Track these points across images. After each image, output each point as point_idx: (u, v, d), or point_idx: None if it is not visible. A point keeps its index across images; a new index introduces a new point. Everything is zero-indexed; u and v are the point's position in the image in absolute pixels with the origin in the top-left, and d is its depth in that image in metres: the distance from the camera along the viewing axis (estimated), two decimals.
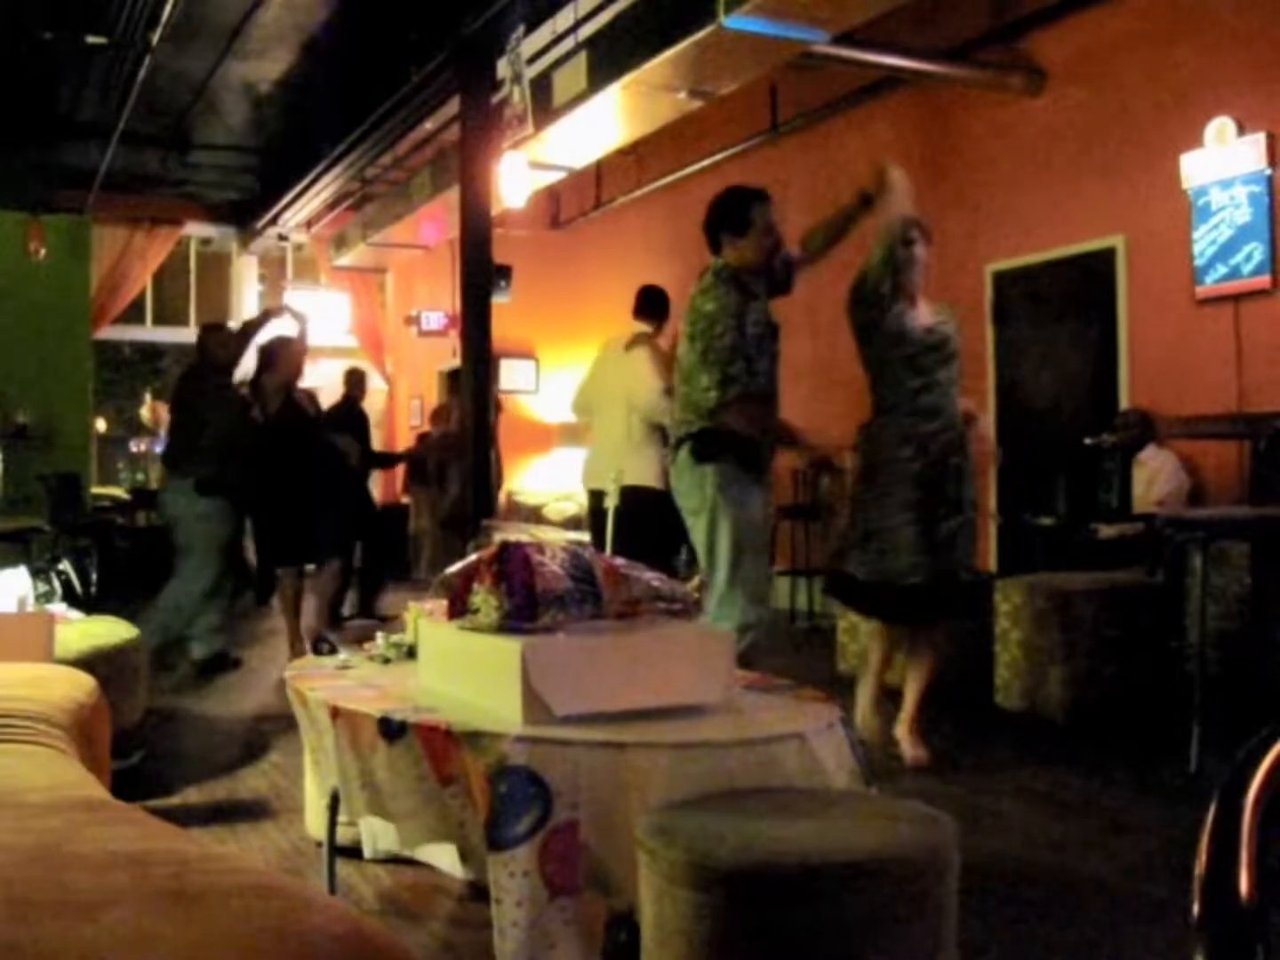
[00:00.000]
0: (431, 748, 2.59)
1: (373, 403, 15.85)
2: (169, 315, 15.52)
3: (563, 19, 8.27)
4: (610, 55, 7.55)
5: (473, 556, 2.92)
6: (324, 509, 7.16)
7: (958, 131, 8.60)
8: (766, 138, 9.84)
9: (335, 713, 2.87)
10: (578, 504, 11.32)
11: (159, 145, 12.69)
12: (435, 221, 12.01)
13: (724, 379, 4.36)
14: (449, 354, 13.30)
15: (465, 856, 2.88)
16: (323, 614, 7.42)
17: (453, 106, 9.52)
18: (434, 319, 13.96)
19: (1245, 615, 5.37)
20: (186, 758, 5.17)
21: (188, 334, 15.71)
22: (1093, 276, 7.55)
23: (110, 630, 4.91)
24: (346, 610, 8.79)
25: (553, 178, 10.03)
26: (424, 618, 3.27)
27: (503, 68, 8.76)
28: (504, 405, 10.85)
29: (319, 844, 3.50)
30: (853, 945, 2.06)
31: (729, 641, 3.05)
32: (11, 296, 11.35)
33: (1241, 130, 6.63)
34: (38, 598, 5.20)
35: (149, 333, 15.80)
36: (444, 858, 3.44)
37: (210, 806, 4.44)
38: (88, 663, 4.13)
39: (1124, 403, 7.28)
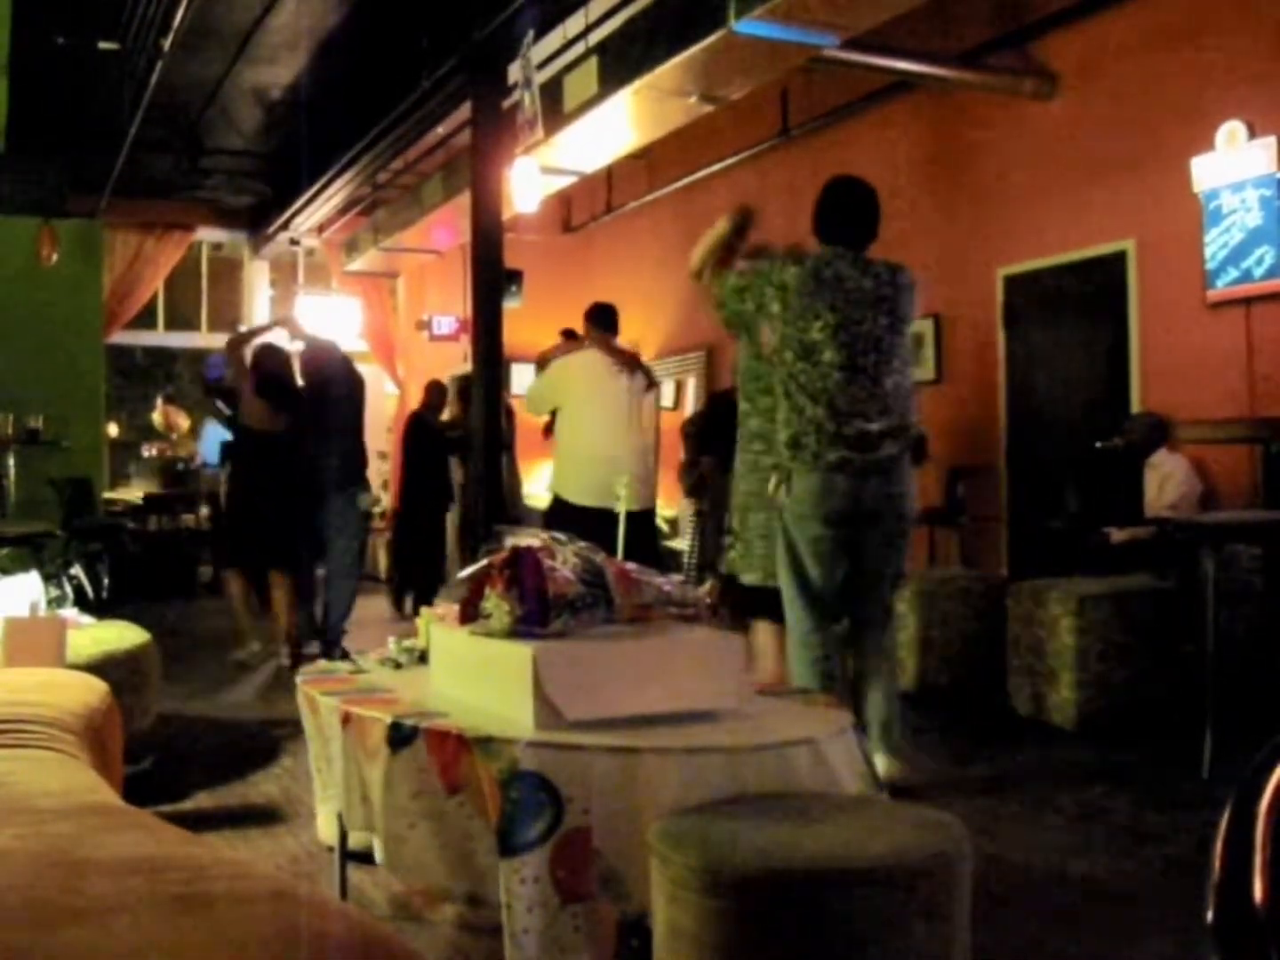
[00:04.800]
0: (441, 754, 2.58)
1: (383, 407, 15.90)
2: (180, 320, 15.55)
3: (573, 24, 8.27)
4: (621, 60, 7.55)
5: (484, 561, 2.92)
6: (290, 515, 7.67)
7: (969, 135, 8.59)
8: (778, 142, 9.84)
9: (346, 718, 2.87)
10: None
11: (171, 150, 12.71)
12: (447, 226, 12.02)
13: None
14: (460, 359, 13.30)
15: (464, 868, 2.76)
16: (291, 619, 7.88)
17: (464, 112, 9.53)
18: (445, 323, 13.95)
19: (1257, 619, 5.35)
20: (198, 762, 5.18)
21: (199, 339, 15.78)
22: (1104, 280, 7.54)
23: (122, 635, 4.92)
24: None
25: (564, 182, 10.03)
26: (436, 622, 3.27)
27: (514, 73, 8.75)
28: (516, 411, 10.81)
29: (331, 849, 3.50)
30: (864, 951, 2.05)
31: (740, 647, 3.05)
32: (23, 302, 11.37)
33: (1253, 134, 6.62)
34: (49, 602, 5.21)
35: (161, 338, 15.81)
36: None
37: (222, 811, 4.44)
38: (99, 668, 4.14)
39: (1135, 406, 7.26)
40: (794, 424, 4.39)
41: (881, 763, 4.27)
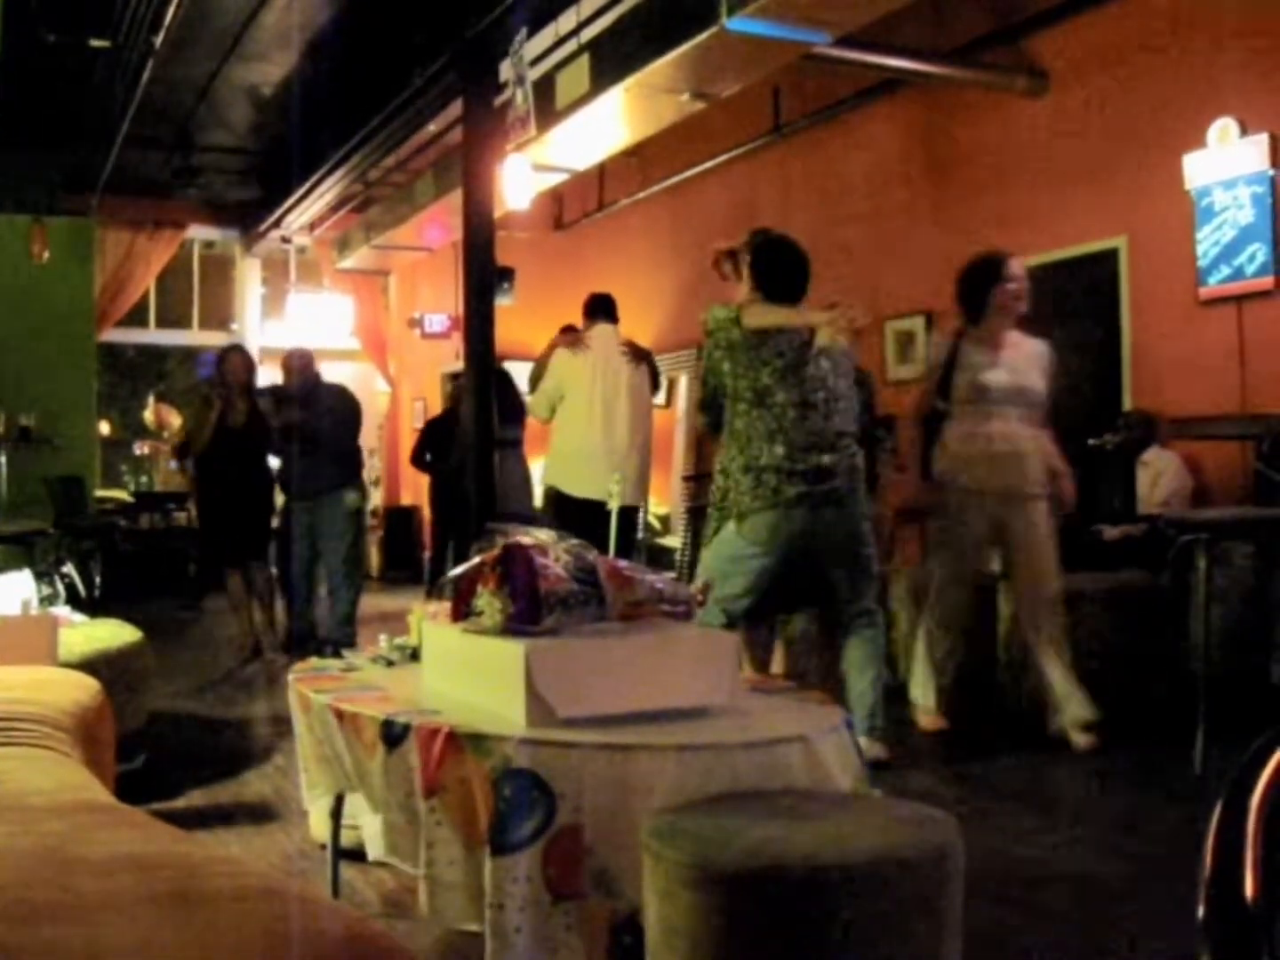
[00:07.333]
0: (426, 754, 2.57)
1: (376, 405, 15.91)
2: (172, 318, 15.53)
3: (565, 21, 8.26)
4: (613, 57, 7.55)
5: (476, 559, 2.92)
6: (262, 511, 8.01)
7: (960, 133, 8.59)
8: (770, 140, 9.83)
9: (339, 715, 2.87)
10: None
11: (162, 148, 12.69)
12: (438, 224, 12.01)
13: None
14: (452, 356, 13.30)
15: (426, 879, 2.59)
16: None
17: (456, 109, 9.52)
18: (437, 321, 13.96)
19: (1249, 616, 5.36)
20: (190, 760, 5.17)
21: (191, 337, 15.77)
22: (1096, 277, 7.54)
23: (114, 633, 4.91)
24: None
25: (556, 180, 10.03)
26: (427, 620, 3.26)
27: (505, 70, 8.75)
28: None
29: (323, 847, 3.50)
30: (857, 948, 2.05)
31: (732, 643, 3.05)
32: (15, 300, 11.37)
33: (1244, 131, 6.63)
34: (41, 600, 5.20)
35: (152, 335, 15.80)
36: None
37: (214, 809, 4.44)
38: (91, 666, 4.13)
39: (1127, 404, 7.27)
40: (753, 463, 4.59)
41: (863, 744, 4.32)
